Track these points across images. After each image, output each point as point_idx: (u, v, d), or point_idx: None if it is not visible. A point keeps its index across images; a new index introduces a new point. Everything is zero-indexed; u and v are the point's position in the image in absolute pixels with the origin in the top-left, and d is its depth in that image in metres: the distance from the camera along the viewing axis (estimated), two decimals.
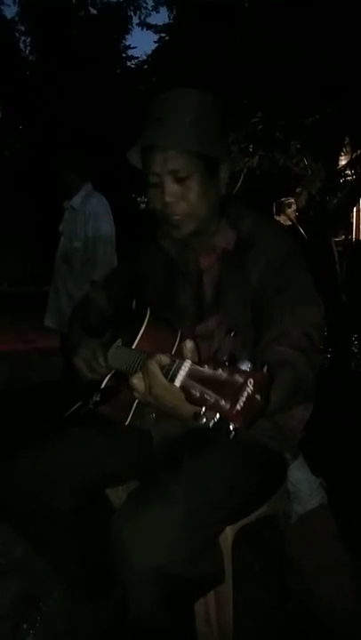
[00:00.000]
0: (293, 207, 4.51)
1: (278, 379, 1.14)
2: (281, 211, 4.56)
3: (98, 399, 1.52)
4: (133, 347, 1.43)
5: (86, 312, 1.79)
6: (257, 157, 6.93)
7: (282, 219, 4.64)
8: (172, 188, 1.36)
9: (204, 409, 0.98)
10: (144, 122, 1.43)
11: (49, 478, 1.41)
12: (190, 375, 1.03)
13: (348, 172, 5.44)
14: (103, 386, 1.53)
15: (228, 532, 1.31)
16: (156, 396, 1.14)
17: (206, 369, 1.00)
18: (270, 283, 1.36)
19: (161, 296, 1.55)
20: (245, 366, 0.97)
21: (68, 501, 1.43)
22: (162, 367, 1.11)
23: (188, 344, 1.12)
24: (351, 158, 5.41)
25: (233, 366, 0.97)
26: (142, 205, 12.49)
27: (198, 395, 0.99)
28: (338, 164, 5.98)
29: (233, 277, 1.42)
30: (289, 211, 4.51)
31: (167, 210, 1.39)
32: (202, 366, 1.02)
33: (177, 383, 1.05)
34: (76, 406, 1.58)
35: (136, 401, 1.48)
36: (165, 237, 1.56)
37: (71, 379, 1.72)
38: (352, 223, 8.66)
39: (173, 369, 1.08)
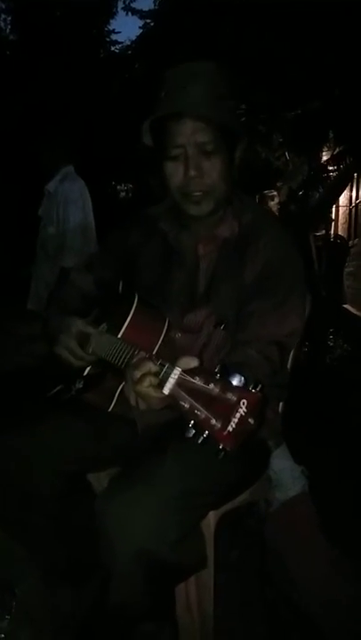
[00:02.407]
0: (276, 200, 4.53)
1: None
2: (263, 203, 4.57)
3: (80, 386, 1.50)
4: (120, 335, 1.41)
5: (68, 296, 1.74)
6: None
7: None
8: (197, 161, 1.32)
9: (192, 422, 0.96)
10: (163, 91, 1.37)
11: (30, 462, 1.38)
12: (180, 384, 1.01)
13: (331, 167, 5.48)
14: (86, 373, 1.51)
15: (211, 518, 1.31)
16: (145, 404, 1.14)
17: (197, 381, 0.98)
18: (262, 283, 1.35)
19: (152, 280, 1.51)
20: (238, 381, 0.95)
21: (49, 486, 1.40)
22: (150, 374, 1.09)
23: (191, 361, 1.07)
24: (333, 154, 5.45)
25: (225, 381, 0.95)
26: (122, 194, 12.39)
27: (188, 407, 0.97)
28: (320, 160, 6.02)
29: (228, 270, 1.40)
30: (271, 203, 4.52)
31: (189, 185, 1.35)
32: (192, 377, 1.00)
33: (165, 391, 1.04)
34: (56, 389, 1.56)
35: (119, 388, 1.47)
36: (165, 219, 1.52)
37: (51, 360, 1.69)
38: (332, 219, 8.75)
39: (162, 375, 1.06)
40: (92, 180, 3.42)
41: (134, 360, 1.16)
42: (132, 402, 1.15)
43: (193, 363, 1.05)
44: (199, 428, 0.95)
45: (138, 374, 1.10)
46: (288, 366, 1.46)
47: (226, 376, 0.96)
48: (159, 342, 1.42)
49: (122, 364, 1.27)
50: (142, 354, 1.17)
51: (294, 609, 1.47)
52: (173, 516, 1.12)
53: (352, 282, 7.47)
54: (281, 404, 1.49)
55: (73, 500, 1.47)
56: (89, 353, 1.47)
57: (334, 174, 5.34)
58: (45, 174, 3.33)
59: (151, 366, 1.09)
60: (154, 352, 1.38)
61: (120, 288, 1.65)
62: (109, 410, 1.47)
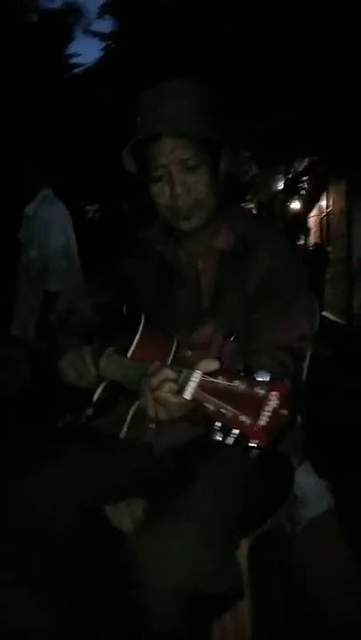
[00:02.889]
0: (253, 212, 4.52)
1: None
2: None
3: (91, 413, 1.43)
4: (129, 355, 1.36)
5: (70, 323, 1.70)
6: None
7: None
8: (182, 177, 1.30)
9: (219, 424, 0.91)
10: (137, 116, 1.36)
11: (45, 500, 1.31)
12: (202, 387, 0.97)
13: (304, 177, 5.53)
14: (96, 398, 1.45)
15: (243, 545, 1.24)
16: (166, 412, 1.08)
17: (220, 380, 0.93)
18: (265, 291, 1.32)
19: (155, 301, 1.48)
20: (264, 377, 0.91)
21: (65, 525, 1.33)
22: (168, 380, 1.05)
23: (211, 363, 1.03)
24: (306, 165, 5.50)
25: (250, 378, 0.91)
26: (90, 214, 12.36)
27: (213, 408, 0.92)
28: (293, 171, 6.07)
29: (231, 281, 1.38)
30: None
31: (177, 203, 1.32)
32: (215, 377, 0.96)
33: (187, 395, 0.99)
34: (65, 419, 1.48)
35: (131, 412, 1.41)
36: (159, 239, 1.50)
37: (55, 386, 1.61)
38: (310, 228, 8.83)
39: (181, 380, 1.02)
40: (62, 200, 3.38)
41: (150, 369, 1.12)
42: (151, 412, 1.09)
43: (213, 365, 1.01)
44: (227, 427, 0.89)
45: (155, 381, 1.06)
46: (303, 375, 1.42)
47: (250, 373, 0.92)
48: (169, 361, 1.37)
49: (134, 383, 1.21)
50: (157, 363, 1.13)
51: (325, 628, 1.41)
52: (209, 549, 1.06)
53: (331, 288, 7.54)
54: (298, 416, 1.45)
55: (91, 534, 1.40)
56: (94, 374, 1.41)
57: (308, 185, 5.38)
58: (25, 197, 3.27)
59: (169, 373, 1.05)
60: None
61: (124, 311, 1.61)
62: (121, 436, 1.40)
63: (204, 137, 1.30)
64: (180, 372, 1.04)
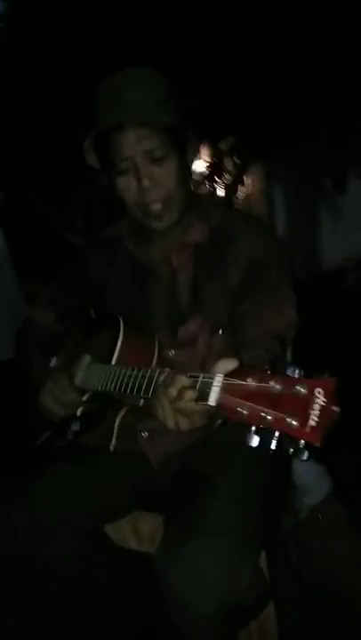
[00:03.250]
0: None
1: None
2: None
3: (78, 428, 1.34)
4: (113, 362, 1.28)
5: (32, 335, 1.58)
6: None
7: None
8: (148, 170, 1.22)
9: (255, 428, 0.86)
10: (100, 106, 1.28)
11: (41, 527, 1.22)
12: (227, 390, 0.91)
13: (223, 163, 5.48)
14: (80, 413, 1.35)
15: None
16: (189, 422, 1.01)
17: (251, 382, 0.87)
18: (249, 282, 1.28)
19: (129, 303, 1.39)
20: (296, 373, 0.85)
21: (66, 550, 1.24)
22: (186, 388, 0.98)
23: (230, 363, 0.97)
24: (224, 149, 5.47)
25: (285, 376, 0.85)
26: None
27: (248, 412, 0.86)
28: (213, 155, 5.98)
29: (210, 274, 1.32)
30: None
31: (145, 197, 1.24)
32: (242, 379, 0.89)
33: (212, 402, 0.93)
34: (44, 437, 1.38)
35: (117, 422, 1.34)
36: (129, 238, 1.41)
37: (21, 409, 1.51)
38: None
39: (201, 386, 0.96)
40: None
41: (163, 377, 1.05)
42: (172, 424, 1.02)
43: (232, 364, 0.95)
44: (268, 431, 0.84)
45: (174, 391, 0.99)
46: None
47: (281, 370, 0.86)
48: (153, 363, 1.31)
49: (125, 389, 1.16)
50: (167, 370, 1.06)
51: (338, 611, 1.41)
52: (243, 560, 1.02)
53: None
54: None
55: (93, 558, 1.31)
56: (80, 391, 1.32)
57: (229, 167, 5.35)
58: None
59: (185, 380, 0.99)
60: None
61: (92, 316, 1.52)
62: (111, 448, 1.33)
63: (169, 126, 1.23)
64: (195, 377, 0.98)
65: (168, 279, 1.36)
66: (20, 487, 1.29)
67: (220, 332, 1.28)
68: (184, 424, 1.01)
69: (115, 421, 1.33)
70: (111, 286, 1.45)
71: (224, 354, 1.23)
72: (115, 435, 1.33)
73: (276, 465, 1.30)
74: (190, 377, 0.99)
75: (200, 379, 0.97)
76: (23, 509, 1.24)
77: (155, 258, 1.38)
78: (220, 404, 0.93)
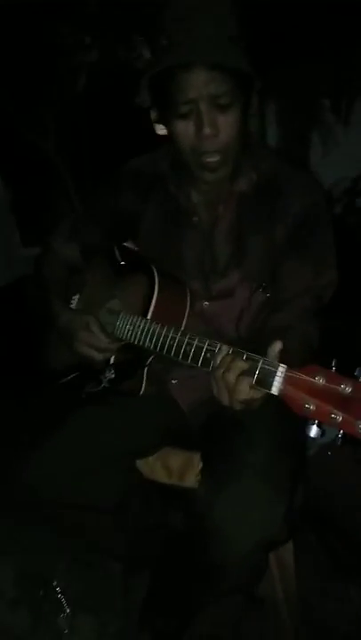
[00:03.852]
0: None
1: (290, 344, 1.07)
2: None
3: (113, 376, 1.40)
4: (149, 317, 1.31)
5: (54, 271, 1.57)
6: (95, 51, 6.37)
7: (160, 127, 4.35)
8: (212, 116, 1.15)
9: (318, 422, 0.95)
10: (164, 36, 1.15)
11: (77, 467, 1.33)
12: (291, 383, 0.97)
13: None
14: (113, 361, 1.40)
15: None
16: (243, 406, 1.08)
17: (319, 381, 0.93)
18: (294, 239, 1.26)
19: (162, 247, 1.38)
20: None
21: (101, 485, 1.36)
22: (243, 373, 1.03)
23: (277, 346, 1.02)
24: None
25: (354, 379, 0.90)
26: None
27: (314, 408, 0.94)
28: None
29: (255, 226, 1.29)
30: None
31: (203, 146, 1.17)
32: (311, 377, 0.94)
33: (274, 391, 1.00)
34: (87, 389, 1.44)
35: (146, 368, 1.39)
36: (171, 178, 1.35)
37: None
38: None
39: (261, 372, 1.01)
40: None
41: (218, 360, 1.08)
42: (226, 402, 1.08)
43: (278, 345, 1.01)
44: (326, 428, 0.94)
45: (233, 377, 1.04)
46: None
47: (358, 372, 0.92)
48: (185, 315, 1.35)
49: (168, 351, 1.20)
50: (224, 347, 1.09)
51: (347, 542, 1.58)
52: (279, 499, 1.13)
53: None
54: None
55: (127, 490, 1.43)
56: (109, 340, 1.36)
57: None
58: None
59: (243, 364, 1.04)
60: (182, 326, 1.32)
61: (118, 256, 1.52)
62: (140, 393, 1.40)
63: (239, 70, 1.14)
64: (254, 360, 1.02)
65: (209, 227, 1.34)
66: (54, 430, 1.36)
67: (261, 289, 1.29)
68: (237, 405, 1.07)
69: (143, 368, 1.39)
70: (143, 225, 1.41)
71: (261, 311, 1.30)
72: (144, 382, 1.40)
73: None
74: (247, 359, 1.03)
75: (260, 364, 1.01)
76: (58, 452, 1.33)
77: (196, 203, 1.34)
78: (282, 394, 0.99)
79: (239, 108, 1.18)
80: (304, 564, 1.36)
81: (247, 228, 1.30)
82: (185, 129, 1.18)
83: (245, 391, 1.03)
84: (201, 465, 1.28)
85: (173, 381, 1.42)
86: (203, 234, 1.34)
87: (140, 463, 1.44)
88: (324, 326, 1.30)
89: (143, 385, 1.40)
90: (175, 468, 1.40)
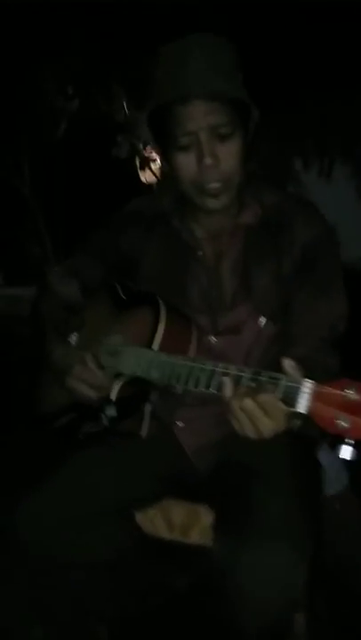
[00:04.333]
0: (158, 163, 4.30)
1: (313, 370, 1.01)
2: (145, 165, 4.33)
3: (114, 414, 1.28)
4: (155, 347, 1.22)
5: (51, 309, 1.48)
6: (77, 101, 6.47)
7: (146, 175, 4.42)
8: (213, 147, 1.14)
9: (352, 441, 0.87)
10: (158, 76, 1.19)
11: (70, 516, 1.20)
12: (318, 398, 0.90)
13: None
14: (115, 397, 1.29)
15: None
16: (270, 427, 0.97)
17: (351, 395, 0.86)
18: (303, 271, 1.24)
19: (164, 283, 1.32)
20: None
21: (95, 538, 1.22)
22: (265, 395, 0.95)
23: (288, 361, 0.97)
24: None
25: None
26: None
27: (349, 425, 0.86)
28: None
29: (262, 258, 1.26)
30: (154, 166, 4.29)
31: (205, 176, 1.17)
32: (340, 389, 0.88)
33: (301, 408, 0.92)
34: (85, 429, 1.32)
35: (149, 408, 1.30)
36: (174, 214, 1.33)
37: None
38: None
39: (285, 390, 0.93)
40: None
41: (232, 386, 0.99)
42: (251, 433, 0.99)
43: (288, 361, 0.96)
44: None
45: (253, 403, 0.95)
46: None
47: None
48: (192, 350, 1.27)
49: (176, 379, 1.11)
50: (239, 369, 1.00)
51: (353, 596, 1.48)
52: (301, 557, 1.03)
53: None
54: None
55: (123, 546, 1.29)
56: (106, 377, 1.25)
57: None
58: None
59: (269, 387, 0.95)
60: None
61: (120, 293, 1.44)
62: (142, 434, 1.29)
63: (237, 100, 1.15)
64: (274, 379, 0.95)
65: (213, 261, 1.31)
66: (45, 478, 1.25)
67: (272, 322, 1.24)
68: (267, 428, 0.97)
69: (145, 406, 1.30)
70: (146, 263, 1.37)
71: (271, 344, 1.25)
72: (147, 422, 1.29)
73: (312, 457, 1.31)
74: (268, 377, 0.96)
75: (283, 382, 0.95)
76: (49, 501, 1.21)
77: (200, 237, 1.31)
78: (310, 412, 0.91)
79: (239, 137, 1.18)
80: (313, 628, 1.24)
81: (253, 261, 1.27)
82: (186, 161, 1.17)
83: (275, 414, 0.95)
84: (210, 519, 1.17)
85: (179, 423, 1.31)
86: (207, 268, 1.31)
87: (138, 516, 1.30)
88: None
89: (145, 425, 1.30)
90: (178, 521, 1.28)
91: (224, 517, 1.14)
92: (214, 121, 1.13)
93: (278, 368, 1.06)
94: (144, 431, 1.30)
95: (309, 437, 1.30)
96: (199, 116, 1.12)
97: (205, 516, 1.26)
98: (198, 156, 1.15)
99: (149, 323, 1.24)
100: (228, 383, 1.00)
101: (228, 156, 1.16)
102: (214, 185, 1.18)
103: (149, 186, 4.47)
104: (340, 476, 1.51)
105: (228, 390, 0.99)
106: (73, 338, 1.46)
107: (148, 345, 1.22)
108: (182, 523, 1.28)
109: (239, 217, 1.28)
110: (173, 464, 1.30)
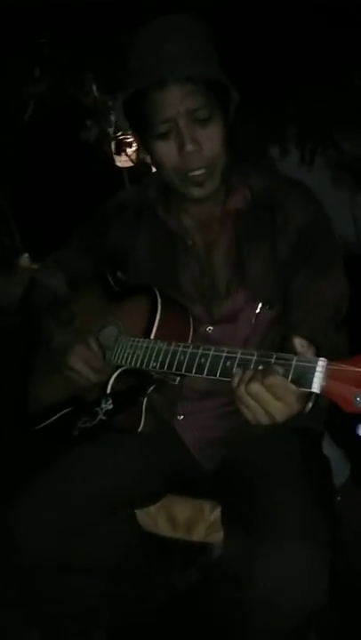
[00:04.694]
0: (135, 146, 4.17)
1: (322, 352, 0.95)
2: (121, 150, 4.19)
3: (110, 407, 1.21)
4: (152, 337, 1.16)
5: (42, 298, 1.40)
6: (45, 83, 6.29)
7: (122, 159, 4.28)
8: (192, 132, 1.08)
9: None
10: (133, 60, 1.12)
11: (66, 517, 1.13)
12: (333, 376, 0.85)
13: None
14: (110, 390, 1.23)
15: None
16: (282, 409, 0.91)
17: None
18: (301, 253, 1.19)
19: (155, 274, 1.26)
20: None
21: (93, 540, 1.16)
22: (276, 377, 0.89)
23: (299, 340, 0.91)
24: None
25: None
26: None
27: None
28: None
29: (255, 243, 1.21)
30: (130, 150, 4.16)
31: (188, 163, 1.10)
32: (356, 365, 0.84)
33: (315, 388, 0.87)
34: (80, 424, 1.24)
35: (144, 403, 1.23)
36: (159, 204, 1.27)
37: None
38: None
39: (294, 372, 0.88)
40: None
41: (241, 372, 0.93)
42: (264, 420, 0.93)
43: (299, 339, 0.91)
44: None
45: (263, 388, 0.89)
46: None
47: None
48: (189, 340, 1.21)
49: (178, 367, 1.05)
50: (247, 353, 0.95)
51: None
52: (323, 563, 0.98)
53: None
54: None
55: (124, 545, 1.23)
56: (105, 364, 1.19)
57: None
58: None
59: (278, 368, 0.89)
60: None
61: (113, 284, 1.38)
62: (139, 430, 1.23)
63: (214, 83, 1.09)
64: (285, 359, 0.89)
65: (204, 249, 1.24)
66: (39, 478, 1.18)
67: (268, 307, 1.19)
68: (279, 412, 0.91)
69: (144, 396, 1.23)
70: (135, 256, 1.30)
71: (268, 331, 1.20)
72: (143, 416, 1.23)
73: (319, 450, 1.27)
74: (278, 360, 0.90)
75: (293, 362, 0.89)
76: (44, 503, 1.14)
77: (189, 226, 1.25)
78: (325, 391, 0.86)
79: (220, 120, 1.12)
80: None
81: (247, 246, 1.21)
82: (166, 149, 1.11)
83: (287, 397, 0.89)
84: (216, 515, 1.11)
85: (179, 417, 1.25)
86: (199, 257, 1.24)
87: (139, 514, 1.24)
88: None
89: (142, 419, 1.23)
90: (182, 519, 1.23)
91: (234, 515, 1.09)
92: (191, 105, 1.07)
93: (280, 352, 1.02)
94: (141, 426, 1.24)
95: (315, 430, 1.28)
96: (176, 102, 1.06)
97: (211, 512, 1.21)
98: (179, 143, 1.09)
99: (146, 312, 1.18)
100: (234, 368, 0.95)
101: (209, 140, 1.10)
102: (198, 172, 1.12)
103: (122, 171, 4.34)
104: (342, 468, 1.48)
105: (235, 378, 0.94)
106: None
107: (146, 335, 1.16)
108: (186, 520, 1.23)
109: (228, 202, 1.22)
110: (175, 460, 1.24)
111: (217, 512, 1.20)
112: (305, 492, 1.03)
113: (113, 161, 5.42)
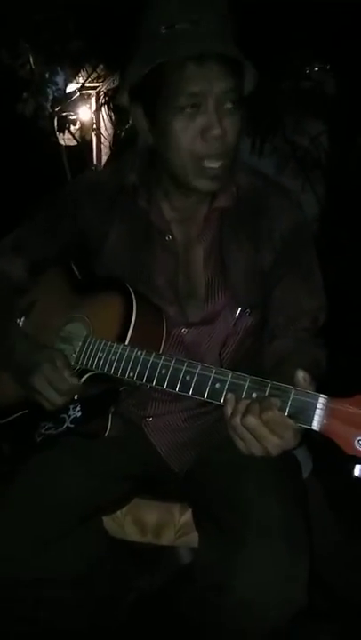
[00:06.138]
0: (78, 124, 3.98)
1: (303, 364, 0.96)
2: (64, 128, 3.99)
3: (78, 415, 1.16)
4: (127, 341, 1.10)
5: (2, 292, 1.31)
6: None
7: (65, 137, 4.08)
8: (219, 116, 1.01)
9: None
10: (163, 24, 1.01)
11: (30, 525, 1.08)
12: (334, 415, 0.83)
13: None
14: (78, 397, 1.17)
15: None
16: (274, 444, 0.89)
17: None
18: (284, 261, 1.16)
19: (130, 271, 1.18)
20: None
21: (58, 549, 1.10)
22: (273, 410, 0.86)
23: (301, 373, 0.88)
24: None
25: None
26: None
27: None
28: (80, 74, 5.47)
29: (239, 246, 1.16)
30: (73, 128, 3.97)
31: (208, 148, 1.02)
32: (359, 406, 0.82)
33: (315, 426, 0.84)
34: (46, 428, 1.18)
35: (112, 407, 1.19)
36: (142, 191, 1.18)
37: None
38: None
39: (291, 405, 0.85)
40: None
41: (233, 402, 0.89)
42: (258, 452, 0.90)
43: (302, 373, 0.88)
44: None
45: (259, 420, 0.86)
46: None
47: None
48: (162, 343, 1.17)
49: (159, 382, 1.00)
50: (239, 378, 0.91)
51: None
52: (301, 559, 0.97)
53: None
54: None
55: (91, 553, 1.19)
56: (71, 376, 1.13)
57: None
58: None
59: (275, 401, 0.86)
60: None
61: (77, 273, 1.30)
62: (106, 434, 1.18)
63: (244, 65, 1.03)
64: (283, 390, 0.86)
65: (184, 247, 1.18)
66: (3, 484, 1.12)
67: (248, 313, 1.15)
68: (275, 447, 0.88)
69: (109, 406, 1.17)
70: (107, 245, 1.21)
71: (246, 336, 1.17)
72: (110, 421, 1.18)
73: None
74: (273, 390, 0.87)
75: (291, 394, 0.85)
76: (9, 514, 1.08)
77: (170, 219, 1.17)
78: (324, 430, 0.84)
79: (241, 112, 1.06)
80: None
81: (230, 248, 1.16)
82: (187, 127, 1.02)
83: (284, 433, 0.86)
84: (186, 518, 1.09)
85: (148, 419, 1.21)
86: (176, 255, 1.18)
87: (106, 520, 1.20)
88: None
89: (109, 424, 1.18)
90: (150, 523, 1.20)
91: (207, 517, 1.07)
92: (225, 86, 1.00)
93: (254, 362, 0.99)
94: (108, 430, 1.18)
95: None
96: (212, 78, 0.99)
97: (181, 515, 1.19)
98: (206, 124, 1.01)
99: (119, 314, 1.12)
100: (225, 392, 0.91)
101: (233, 128, 1.04)
102: (215, 164, 1.04)
103: (61, 148, 4.12)
104: (305, 462, 1.49)
105: (228, 407, 0.90)
106: (20, 323, 1.31)
107: (120, 338, 1.10)
108: (155, 524, 1.20)
109: (216, 199, 1.15)
110: (143, 463, 1.20)
111: (187, 514, 1.18)
112: (281, 491, 1.02)
113: (51, 137, 5.23)
